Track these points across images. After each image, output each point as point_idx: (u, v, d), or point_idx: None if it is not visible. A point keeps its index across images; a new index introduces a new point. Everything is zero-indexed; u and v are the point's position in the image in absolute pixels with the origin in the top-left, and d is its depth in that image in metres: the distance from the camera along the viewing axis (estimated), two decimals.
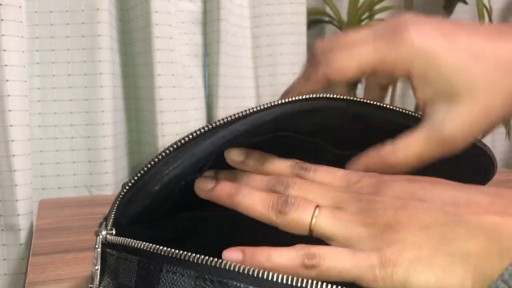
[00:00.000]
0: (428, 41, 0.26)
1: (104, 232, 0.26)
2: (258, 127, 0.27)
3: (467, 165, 0.31)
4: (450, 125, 0.26)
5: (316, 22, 0.96)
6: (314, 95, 0.27)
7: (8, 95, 0.64)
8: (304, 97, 0.27)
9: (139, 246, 0.24)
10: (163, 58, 0.75)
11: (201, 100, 0.84)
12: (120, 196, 0.26)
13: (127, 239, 0.25)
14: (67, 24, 0.72)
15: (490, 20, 0.95)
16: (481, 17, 0.94)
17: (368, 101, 0.29)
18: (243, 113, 0.27)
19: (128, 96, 0.81)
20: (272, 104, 0.27)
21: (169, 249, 0.23)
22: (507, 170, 1.08)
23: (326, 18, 0.96)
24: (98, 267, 0.26)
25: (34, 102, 0.72)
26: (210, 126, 0.26)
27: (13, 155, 0.65)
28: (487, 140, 1.07)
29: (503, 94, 0.26)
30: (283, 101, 0.27)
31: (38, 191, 0.73)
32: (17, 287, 0.69)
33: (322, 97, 0.28)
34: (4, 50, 0.64)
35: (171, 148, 0.26)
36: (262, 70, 0.87)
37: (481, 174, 0.32)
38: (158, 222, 0.32)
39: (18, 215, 0.66)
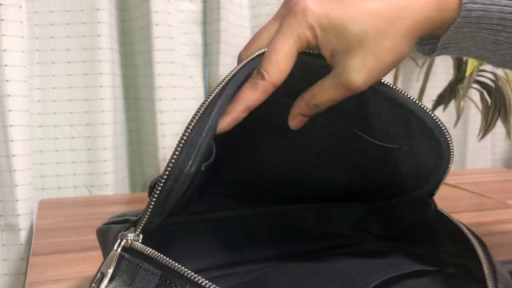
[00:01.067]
0: (319, 9, 0.31)
1: (131, 236, 0.26)
2: (242, 83, 0.30)
3: (420, 138, 0.33)
4: (348, 70, 0.31)
5: None
6: None
7: (8, 95, 0.64)
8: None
9: (165, 262, 0.24)
10: (163, 58, 0.75)
11: (201, 100, 0.84)
12: (155, 198, 0.26)
13: (154, 251, 0.25)
14: (67, 24, 0.72)
15: None
16: None
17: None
18: (227, 78, 0.29)
19: (128, 96, 0.81)
20: (245, 61, 0.31)
21: (194, 274, 0.23)
22: (507, 170, 1.08)
23: None
24: (111, 270, 0.25)
25: (34, 102, 0.72)
26: (212, 95, 0.28)
27: (13, 155, 0.65)
28: (487, 140, 1.07)
29: (390, 39, 0.31)
30: (246, 61, 0.31)
31: (38, 191, 0.73)
32: (17, 287, 0.69)
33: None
34: (4, 50, 0.64)
35: (193, 123, 0.27)
36: None
37: (437, 151, 0.33)
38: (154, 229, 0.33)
39: (18, 215, 0.66)
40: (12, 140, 0.65)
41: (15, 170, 0.65)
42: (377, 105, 0.34)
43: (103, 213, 0.65)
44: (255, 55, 0.31)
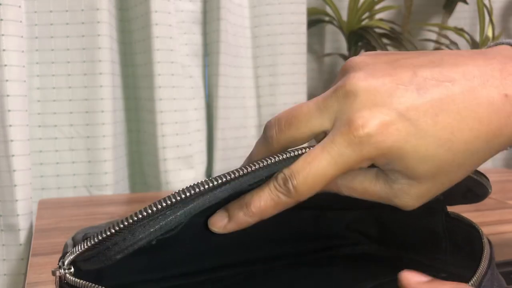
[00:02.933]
0: (389, 141, 0.24)
1: (61, 271, 0.24)
2: (242, 192, 0.26)
3: (460, 193, 0.31)
4: (407, 197, 0.26)
5: (316, 22, 0.96)
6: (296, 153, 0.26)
7: (8, 95, 0.64)
8: (284, 157, 0.26)
9: None
10: (163, 58, 0.75)
11: (201, 100, 0.84)
12: (78, 250, 0.24)
13: (84, 282, 0.23)
14: (66, 24, 0.72)
15: (491, 20, 0.95)
16: (481, 17, 0.94)
17: None
18: (225, 179, 0.24)
19: (128, 96, 0.81)
20: (260, 165, 0.25)
21: None
22: (508, 170, 1.07)
23: (326, 18, 0.96)
24: None
25: (33, 102, 0.72)
26: (187, 194, 0.24)
27: (13, 155, 0.65)
28: None
29: (467, 170, 0.26)
30: (270, 162, 0.25)
31: (37, 191, 0.73)
32: (16, 287, 0.69)
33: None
34: (4, 50, 0.64)
35: (140, 216, 0.23)
36: (262, 70, 0.87)
37: (472, 200, 0.32)
38: None
39: (18, 215, 0.66)
40: (12, 140, 0.65)
41: (14, 170, 0.65)
42: None
43: (103, 213, 0.65)
44: (278, 159, 0.25)
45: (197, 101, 0.83)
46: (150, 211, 0.23)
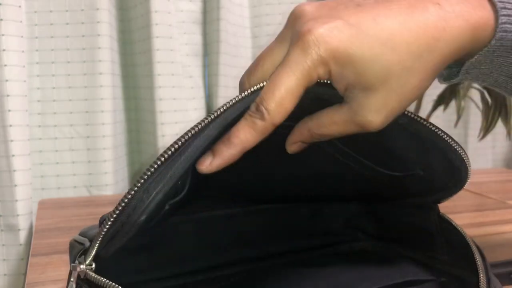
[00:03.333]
0: (335, 40, 0.26)
1: (82, 267, 0.24)
2: (228, 127, 0.27)
3: (438, 163, 0.31)
4: (366, 111, 0.27)
5: None
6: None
7: (8, 95, 0.64)
8: (257, 87, 0.27)
9: None
10: (163, 58, 0.75)
11: (201, 100, 0.84)
12: (103, 232, 0.24)
13: (106, 281, 0.24)
14: (66, 23, 0.72)
15: None
16: None
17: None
18: (211, 117, 0.26)
19: (128, 96, 0.81)
20: (236, 99, 0.27)
21: None
22: (508, 170, 1.07)
23: None
24: None
25: (33, 102, 0.72)
26: (182, 140, 0.25)
27: (13, 155, 0.65)
28: (488, 140, 1.07)
29: (417, 76, 0.27)
30: (245, 93, 0.27)
31: (37, 191, 0.73)
32: (16, 287, 0.69)
33: None
34: (4, 50, 0.64)
35: (149, 173, 0.24)
36: None
37: (453, 173, 0.32)
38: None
39: (18, 215, 0.66)
40: (12, 140, 0.65)
41: (14, 170, 0.65)
42: (394, 137, 0.31)
43: (103, 213, 0.64)
44: (254, 88, 0.27)
45: (197, 101, 0.83)
46: (155, 166, 0.24)
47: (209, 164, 0.28)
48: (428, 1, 0.27)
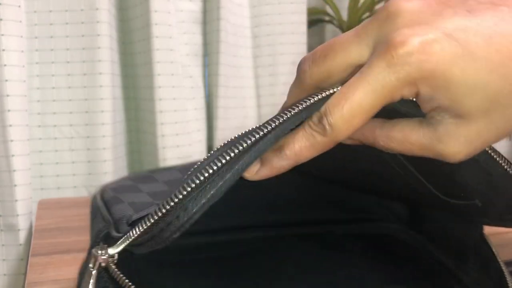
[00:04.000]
0: (432, 59, 0.21)
1: (105, 257, 0.23)
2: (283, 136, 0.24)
3: (501, 201, 0.29)
4: (453, 141, 0.22)
5: (316, 21, 0.96)
6: None
7: (7, 95, 0.64)
8: (324, 95, 0.23)
9: None
10: (162, 58, 0.75)
11: (201, 100, 0.83)
12: (131, 238, 0.23)
13: (123, 277, 0.23)
14: (66, 23, 0.72)
15: None
16: None
17: None
18: (268, 128, 0.22)
19: (128, 96, 0.81)
20: (299, 109, 0.23)
21: None
22: None
23: (326, 18, 0.96)
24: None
25: (33, 102, 0.72)
26: (232, 155, 0.22)
27: (12, 155, 0.65)
28: None
29: None
30: (309, 103, 0.23)
31: (37, 191, 0.73)
32: (16, 287, 0.69)
33: None
34: (3, 50, 0.64)
35: (189, 189, 0.21)
36: (262, 70, 0.87)
37: (510, 218, 0.30)
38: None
39: (17, 215, 0.66)
40: (11, 140, 0.65)
41: (14, 170, 0.65)
42: (464, 169, 0.27)
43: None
44: (321, 96, 0.23)
45: (197, 101, 0.83)
46: (198, 181, 0.21)
47: (255, 173, 0.25)
48: None
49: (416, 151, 0.24)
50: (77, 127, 0.73)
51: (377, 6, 0.92)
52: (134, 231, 0.23)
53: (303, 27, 0.87)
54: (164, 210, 0.22)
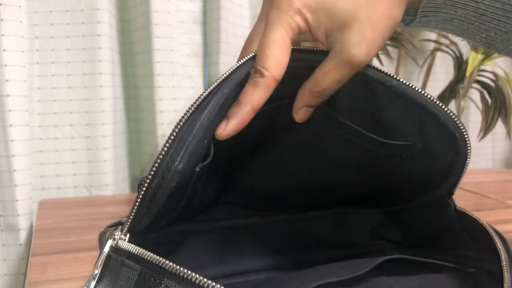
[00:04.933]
0: None
1: (117, 236, 0.25)
2: (239, 84, 0.29)
3: (434, 131, 0.32)
4: (347, 47, 0.29)
5: None
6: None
7: (8, 95, 0.64)
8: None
9: (145, 256, 0.23)
10: (162, 58, 0.75)
11: None
12: (140, 196, 0.25)
13: (136, 247, 0.24)
14: (67, 24, 0.72)
15: None
16: None
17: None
18: (223, 77, 0.28)
19: (128, 96, 0.81)
20: (242, 62, 0.29)
21: (173, 265, 0.22)
22: (508, 170, 1.07)
23: None
24: (98, 270, 0.25)
25: (34, 102, 0.72)
26: (200, 100, 0.27)
27: (13, 155, 0.65)
28: (487, 140, 1.07)
29: (382, 5, 0.29)
30: (241, 61, 0.29)
31: (37, 191, 0.73)
32: (16, 287, 0.69)
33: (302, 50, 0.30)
34: (4, 50, 0.64)
35: (174, 133, 0.26)
36: None
37: (451, 143, 0.32)
38: (154, 237, 0.31)
39: (18, 215, 0.66)
40: (12, 140, 0.65)
41: (15, 170, 0.65)
42: (387, 102, 0.32)
43: (103, 213, 0.65)
44: (251, 55, 0.30)
45: None
46: (185, 117, 0.26)
47: (225, 127, 0.29)
48: None
49: (335, 74, 0.30)
50: (78, 127, 0.74)
51: None
52: (141, 188, 0.25)
53: None
54: (168, 144, 0.25)
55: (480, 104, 0.85)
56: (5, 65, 0.64)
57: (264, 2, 0.32)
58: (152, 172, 0.25)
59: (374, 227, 0.41)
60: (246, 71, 0.30)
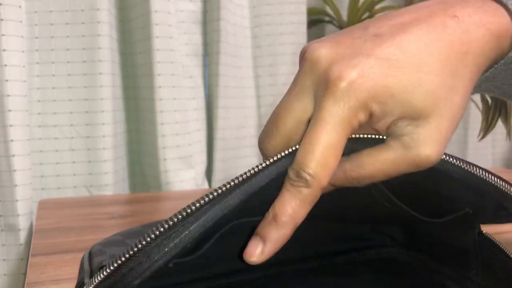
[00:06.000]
0: (369, 80, 0.24)
1: None
2: (255, 196, 0.24)
3: (491, 207, 0.29)
4: (422, 143, 0.24)
5: (316, 22, 0.96)
6: None
7: (8, 95, 0.64)
8: (286, 152, 0.24)
9: None
10: (163, 58, 0.75)
11: (201, 100, 0.84)
12: (95, 282, 0.23)
13: None
14: (67, 24, 0.72)
15: None
16: None
17: None
18: (235, 182, 0.23)
19: (128, 96, 0.81)
20: (264, 165, 0.24)
21: None
22: (507, 170, 1.07)
23: (326, 18, 0.96)
24: None
25: (33, 102, 0.72)
26: (197, 205, 0.23)
27: (13, 155, 0.65)
28: (487, 140, 1.07)
29: (460, 94, 0.25)
30: (275, 159, 0.24)
31: (37, 191, 0.73)
32: (16, 287, 0.69)
33: None
34: (4, 50, 0.64)
35: (153, 236, 0.22)
36: (262, 70, 0.87)
37: (505, 214, 0.29)
38: None
39: (18, 215, 0.66)
40: (12, 140, 0.65)
41: (14, 170, 0.65)
42: (449, 186, 0.27)
43: (103, 213, 0.65)
44: (283, 154, 0.24)
45: (197, 101, 0.83)
46: (162, 229, 0.22)
47: (261, 253, 0.25)
48: (445, 16, 0.25)
49: (389, 169, 0.25)
50: (78, 127, 0.74)
51: (377, 7, 0.92)
52: (97, 276, 0.23)
53: (303, 28, 0.87)
54: (127, 255, 0.22)
55: (480, 104, 0.85)
56: (5, 65, 0.64)
57: (305, 72, 0.25)
58: (105, 273, 0.22)
59: (378, 224, 0.40)
60: (277, 172, 0.24)
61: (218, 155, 0.84)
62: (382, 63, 0.24)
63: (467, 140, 1.07)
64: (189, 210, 0.22)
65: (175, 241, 0.22)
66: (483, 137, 0.84)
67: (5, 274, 0.68)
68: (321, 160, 0.23)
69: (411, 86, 0.24)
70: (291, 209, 0.24)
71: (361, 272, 0.36)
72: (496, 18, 0.26)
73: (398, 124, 0.24)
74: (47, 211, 0.64)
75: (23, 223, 0.66)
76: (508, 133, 0.81)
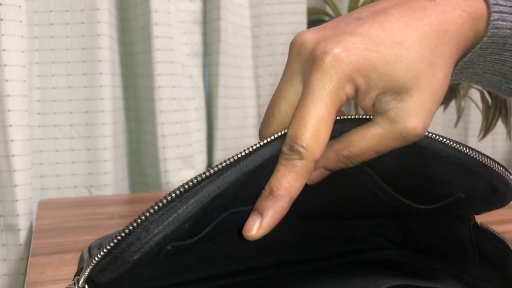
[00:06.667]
0: (353, 54, 0.25)
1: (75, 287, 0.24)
2: (251, 175, 0.25)
3: (482, 188, 0.29)
4: (406, 116, 0.25)
5: (316, 21, 0.96)
6: None
7: (8, 95, 0.64)
8: (280, 134, 0.25)
9: None
10: (163, 58, 0.75)
11: (201, 100, 0.84)
12: (94, 260, 0.23)
13: None
14: (66, 23, 0.72)
15: None
16: None
17: None
18: (228, 162, 0.24)
19: (128, 96, 0.81)
20: (259, 145, 0.25)
21: None
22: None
23: (327, 18, 0.96)
24: None
25: (33, 102, 0.72)
26: (195, 181, 0.23)
27: (13, 155, 0.65)
28: (488, 140, 1.07)
29: (441, 70, 0.26)
30: (270, 139, 0.25)
31: (37, 191, 0.73)
32: (16, 287, 0.69)
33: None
34: (4, 50, 0.64)
35: (152, 211, 0.23)
36: (262, 70, 0.87)
37: (496, 196, 0.30)
38: None
39: (18, 215, 0.66)
40: (12, 140, 0.65)
41: (14, 170, 0.65)
42: (438, 167, 0.28)
43: (103, 213, 0.65)
44: (278, 135, 0.25)
45: (197, 101, 0.83)
46: (160, 204, 0.23)
47: (259, 227, 0.25)
48: (423, 0, 0.27)
49: (378, 145, 0.26)
50: (77, 127, 0.74)
51: None
52: (98, 253, 0.23)
53: (303, 28, 0.87)
54: (127, 231, 0.23)
55: (480, 104, 0.85)
56: (5, 65, 0.64)
57: (293, 56, 0.27)
58: (105, 250, 0.23)
59: (374, 225, 0.40)
60: (271, 153, 0.25)
61: (218, 155, 0.84)
62: (364, 40, 0.25)
63: (467, 140, 1.07)
64: (186, 186, 0.23)
65: (173, 216, 0.23)
66: (483, 137, 0.84)
67: (5, 274, 0.68)
68: (313, 132, 0.24)
69: (392, 60, 0.25)
70: (286, 182, 0.25)
71: (360, 274, 0.36)
72: (472, 2, 0.27)
73: (382, 100, 0.26)
74: (47, 211, 0.64)
75: (23, 223, 0.66)
76: (508, 133, 0.81)
